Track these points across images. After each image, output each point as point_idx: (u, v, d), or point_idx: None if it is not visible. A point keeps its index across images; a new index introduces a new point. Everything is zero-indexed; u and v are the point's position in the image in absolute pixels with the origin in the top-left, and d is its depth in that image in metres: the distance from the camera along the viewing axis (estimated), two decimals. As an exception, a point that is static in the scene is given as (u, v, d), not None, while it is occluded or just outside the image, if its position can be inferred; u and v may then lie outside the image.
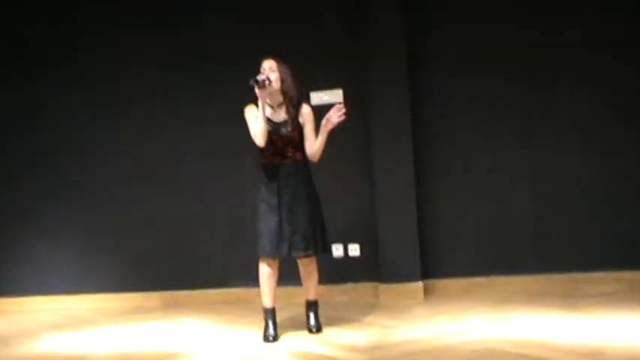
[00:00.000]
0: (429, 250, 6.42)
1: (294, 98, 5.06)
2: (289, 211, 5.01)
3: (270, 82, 4.94)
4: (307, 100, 5.20)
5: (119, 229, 6.99)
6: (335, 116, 4.96)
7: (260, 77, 4.90)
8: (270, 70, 5.00)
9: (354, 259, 6.54)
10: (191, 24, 6.87)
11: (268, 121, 4.99)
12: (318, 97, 6.42)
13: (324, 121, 4.97)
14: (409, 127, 6.39)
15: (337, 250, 6.52)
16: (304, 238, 5.02)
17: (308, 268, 5.22)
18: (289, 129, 5.03)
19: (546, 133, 6.31)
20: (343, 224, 6.44)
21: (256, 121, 4.98)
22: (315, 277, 5.24)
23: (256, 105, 4.99)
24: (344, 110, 4.95)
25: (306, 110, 5.11)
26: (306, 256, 5.14)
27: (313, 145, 5.06)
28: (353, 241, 6.54)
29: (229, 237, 6.73)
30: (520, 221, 6.35)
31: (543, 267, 6.23)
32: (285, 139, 5.03)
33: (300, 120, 5.08)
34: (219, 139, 6.75)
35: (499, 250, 6.35)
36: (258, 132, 4.97)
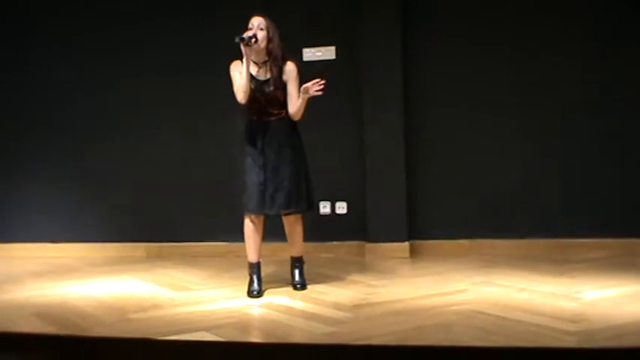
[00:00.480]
0: (417, 210, 6.44)
1: (278, 58, 5.03)
2: (273, 168, 5.03)
3: (256, 40, 4.93)
4: (292, 57, 5.19)
5: (106, 179, 6.98)
6: (312, 89, 4.94)
7: (247, 35, 4.89)
8: (258, 27, 4.98)
9: (341, 216, 6.55)
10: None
11: (252, 78, 4.98)
12: (311, 53, 6.42)
13: (302, 89, 4.97)
14: (401, 87, 6.37)
15: (324, 208, 6.52)
16: (287, 196, 5.04)
17: (293, 225, 5.23)
18: (271, 88, 5.01)
19: (539, 97, 6.28)
20: (331, 182, 6.48)
21: (240, 77, 4.97)
22: (300, 233, 5.24)
23: (242, 61, 4.97)
24: (323, 86, 4.92)
25: (289, 67, 5.07)
26: (289, 213, 5.15)
27: (295, 104, 5.05)
28: (340, 199, 6.55)
29: (216, 191, 6.70)
30: (509, 185, 6.37)
31: (530, 231, 6.27)
32: (269, 97, 5.03)
33: (284, 78, 5.06)
34: (208, 93, 6.69)
35: (487, 213, 6.37)
36: (239, 88, 4.97)
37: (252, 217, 5.08)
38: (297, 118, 5.09)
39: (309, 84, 4.94)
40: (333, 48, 6.46)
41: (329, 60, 6.40)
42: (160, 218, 6.86)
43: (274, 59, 5.01)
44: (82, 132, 6.98)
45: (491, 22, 6.31)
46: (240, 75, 4.95)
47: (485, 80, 6.35)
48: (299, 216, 5.20)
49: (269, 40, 4.99)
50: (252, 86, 4.96)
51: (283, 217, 5.21)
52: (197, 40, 6.72)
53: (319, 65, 6.23)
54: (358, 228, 6.45)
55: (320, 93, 4.94)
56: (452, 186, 6.44)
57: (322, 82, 4.93)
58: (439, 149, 6.45)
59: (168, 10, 6.83)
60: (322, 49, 6.44)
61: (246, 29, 4.96)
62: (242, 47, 4.87)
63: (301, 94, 4.97)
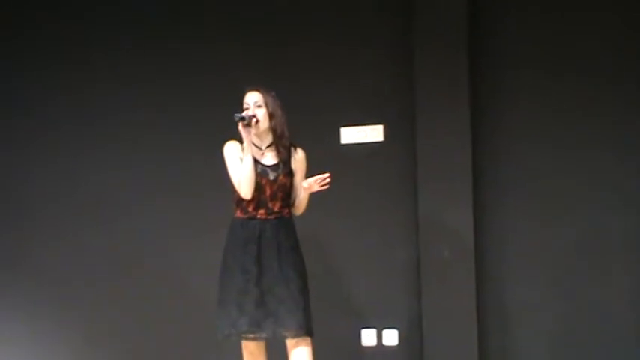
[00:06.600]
0: (495, 335, 5.47)
1: (285, 137, 4.69)
2: (272, 278, 4.55)
3: (257, 120, 4.60)
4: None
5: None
6: (316, 186, 4.63)
7: (246, 114, 4.60)
8: (255, 105, 4.65)
9: (390, 349, 5.64)
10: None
11: (256, 163, 4.61)
12: (351, 135, 5.79)
13: (306, 184, 4.65)
14: (470, 180, 5.47)
15: (368, 336, 5.66)
16: (294, 311, 4.52)
17: (300, 355, 4.53)
18: (280, 173, 4.64)
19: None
20: (377, 302, 5.66)
21: (240, 164, 4.57)
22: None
23: (240, 142, 4.62)
24: (328, 181, 4.62)
25: (300, 156, 4.75)
26: (297, 335, 4.53)
27: (298, 198, 4.76)
28: (389, 325, 5.67)
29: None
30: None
31: None
32: (276, 186, 4.64)
33: (293, 166, 4.71)
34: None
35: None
36: (243, 179, 4.53)
37: (250, 343, 4.55)
38: (299, 212, 4.78)
39: (312, 179, 4.62)
40: (380, 127, 5.69)
41: (375, 143, 5.72)
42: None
43: (280, 138, 4.67)
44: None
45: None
46: (242, 162, 4.56)
47: (590, 176, 5.38)
48: (308, 341, 4.54)
49: (270, 116, 4.66)
50: (258, 170, 4.62)
51: (288, 345, 4.57)
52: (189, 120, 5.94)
53: (362, 150, 5.63)
54: (414, 365, 5.58)
55: (325, 188, 4.64)
56: (544, 305, 5.38)
57: (327, 177, 4.61)
58: (524, 255, 5.46)
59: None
60: (366, 128, 5.73)
61: (242, 109, 4.64)
62: (240, 128, 4.54)
63: (303, 189, 4.66)
